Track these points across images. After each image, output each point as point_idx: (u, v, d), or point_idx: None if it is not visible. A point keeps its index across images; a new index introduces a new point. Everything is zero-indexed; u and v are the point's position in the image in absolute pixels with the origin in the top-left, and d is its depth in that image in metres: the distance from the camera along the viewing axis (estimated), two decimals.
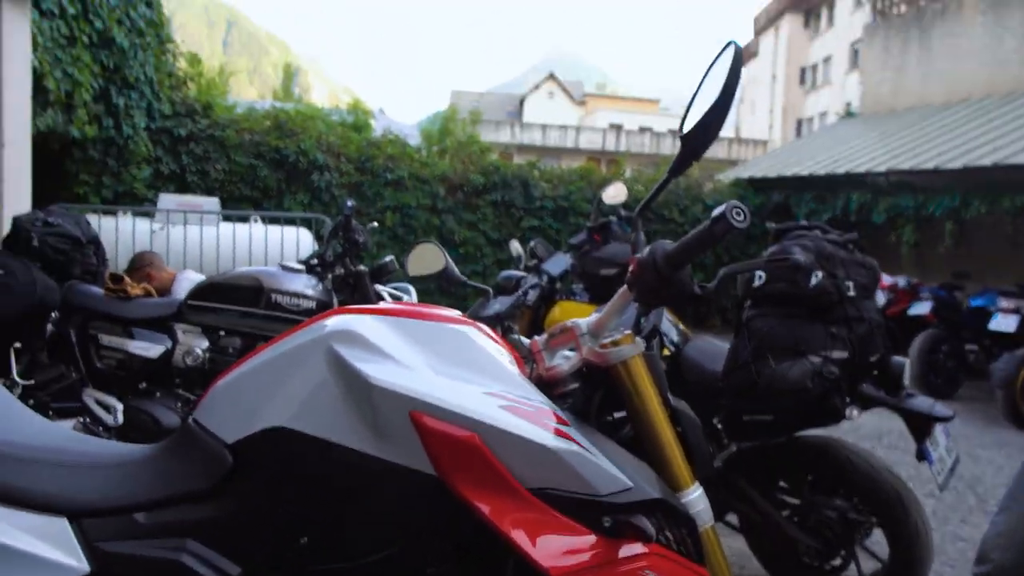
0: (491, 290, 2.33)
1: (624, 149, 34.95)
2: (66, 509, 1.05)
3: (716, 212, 1.05)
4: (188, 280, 3.44)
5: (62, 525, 1.04)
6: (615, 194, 3.59)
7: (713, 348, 2.68)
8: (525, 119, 42.53)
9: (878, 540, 2.43)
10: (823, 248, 2.42)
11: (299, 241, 6.69)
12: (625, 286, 1.21)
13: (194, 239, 6.35)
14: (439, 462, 0.98)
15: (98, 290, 2.88)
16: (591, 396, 1.25)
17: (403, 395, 1.00)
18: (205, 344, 2.85)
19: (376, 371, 1.02)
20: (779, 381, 2.28)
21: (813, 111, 33.77)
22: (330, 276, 3.02)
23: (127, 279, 2.89)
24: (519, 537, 0.97)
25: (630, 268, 1.19)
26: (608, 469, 1.03)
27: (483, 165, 9.37)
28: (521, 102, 50.08)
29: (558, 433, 1.03)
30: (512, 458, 0.99)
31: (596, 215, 3.55)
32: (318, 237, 6.86)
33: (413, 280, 2.59)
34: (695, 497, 1.17)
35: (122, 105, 6.85)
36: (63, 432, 1.24)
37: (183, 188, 7.92)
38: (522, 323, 3.27)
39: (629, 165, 12.75)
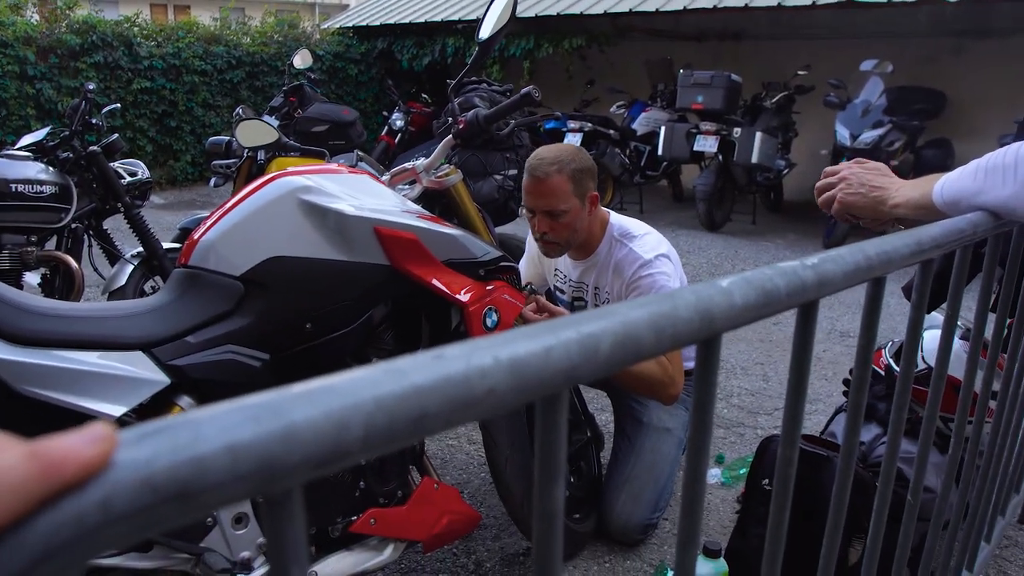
0: (327, 152, 2.77)
1: None
2: (136, 344, 1.39)
3: (524, 91, 1.83)
4: None
5: (138, 355, 1.38)
6: (302, 60, 4.03)
7: None
8: None
9: None
10: (494, 97, 3.34)
11: None
12: (450, 136, 1.95)
13: None
14: (393, 254, 1.66)
15: None
16: (432, 209, 1.99)
17: (368, 217, 1.62)
18: None
19: (342, 207, 1.62)
20: (476, 195, 3.23)
21: None
22: (52, 158, 3.07)
23: None
24: (443, 286, 1.71)
25: (459, 125, 1.93)
26: (478, 243, 1.81)
27: (74, 23, 8.36)
28: None
29: (448, 226, 1.78)
30: (432, 244, 1.70)
31: (289, 79, 3.97)
32: None
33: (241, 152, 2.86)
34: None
35: None
36: (64, 302, 1.60)
37: None
38: (240, 177, 3.67)
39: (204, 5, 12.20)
